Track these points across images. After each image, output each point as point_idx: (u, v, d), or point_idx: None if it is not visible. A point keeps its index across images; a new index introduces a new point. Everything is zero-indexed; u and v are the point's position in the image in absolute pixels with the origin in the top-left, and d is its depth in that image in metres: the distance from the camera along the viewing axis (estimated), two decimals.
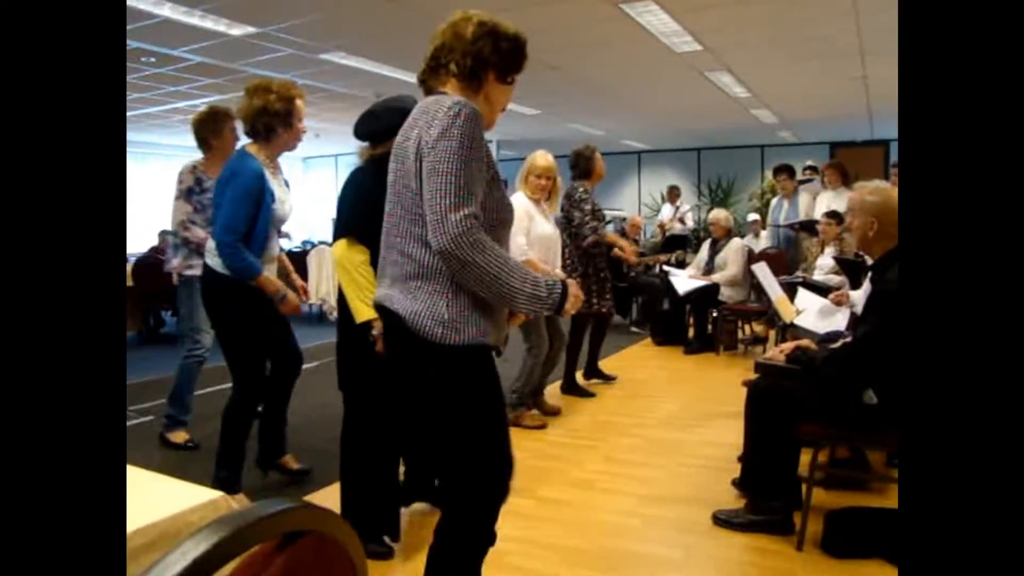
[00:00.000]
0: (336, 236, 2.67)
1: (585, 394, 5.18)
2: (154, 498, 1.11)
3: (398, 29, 5.99)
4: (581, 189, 4.99)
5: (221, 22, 5.87)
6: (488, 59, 1.78)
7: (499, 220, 1.76)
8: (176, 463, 3.75)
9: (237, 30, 6.06)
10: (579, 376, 5.32)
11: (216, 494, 1.15)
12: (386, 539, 2.72)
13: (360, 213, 2.60)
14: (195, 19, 5.76)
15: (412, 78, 7.59)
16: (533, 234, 4.26)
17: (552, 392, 4.94)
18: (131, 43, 6.43)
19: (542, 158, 4.37)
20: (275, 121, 2.99)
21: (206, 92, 8.64)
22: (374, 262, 2.29)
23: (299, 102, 3.05)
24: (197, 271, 3.61)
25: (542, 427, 4.38)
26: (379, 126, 2.66)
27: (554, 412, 4.64)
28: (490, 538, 1.82)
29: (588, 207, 4.93)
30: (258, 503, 0.73)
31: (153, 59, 7.08)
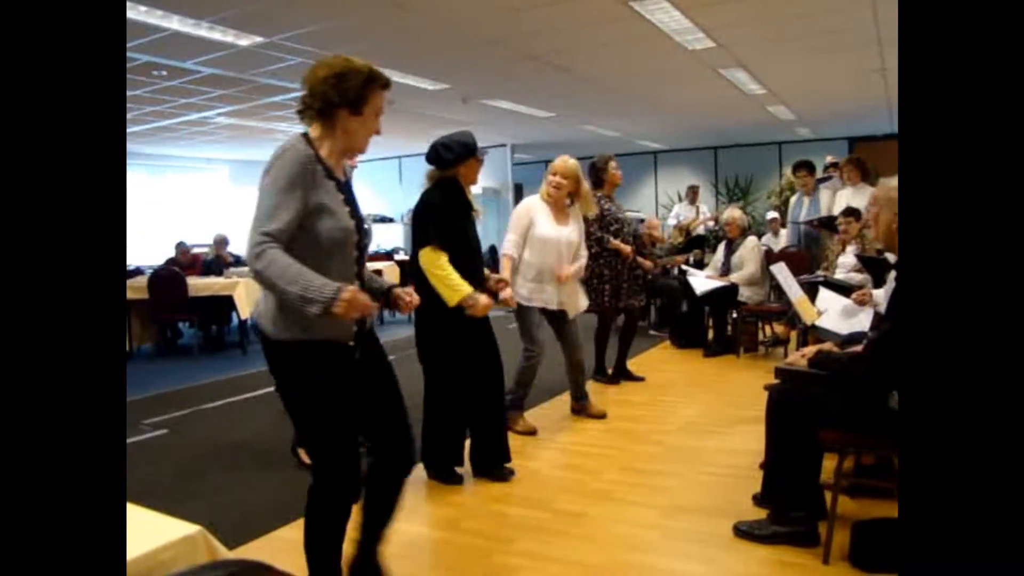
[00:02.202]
0: (419, 246, 3.38)
1: (634, 378, 5.62)
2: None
3: (406, 35, 5.95)
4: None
5: (229, 33, 5.86)
6: (333, 100, 2.06)
7: (328, 241, 2.04)
8: (188, 475, 3.71)
9: (245, 40, 6.04)
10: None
11: (193, 529, 1.08)
12: (456, 469, 3.56)
13: (444, 225, 3.34)
14: (203, 31, 5.75)
15: (422, 83, 7.59)
16: (532, 236, 4.25)
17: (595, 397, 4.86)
18: (141, 57, 6.43)
19: (559, 159, 4.38)
20: None
21: (218, 103, 8.66)
22: (452, 260, 3.28)
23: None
24: None
25: (532, 433, 4.28)
26: (450, 155, 3.38)
27: (600, 415, 4.62)
28: (339, 505, 2.16)
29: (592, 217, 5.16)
30: (211, 561, 0.66)
31: (164, 72, 7.09)
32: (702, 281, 6.67)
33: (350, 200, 2.13)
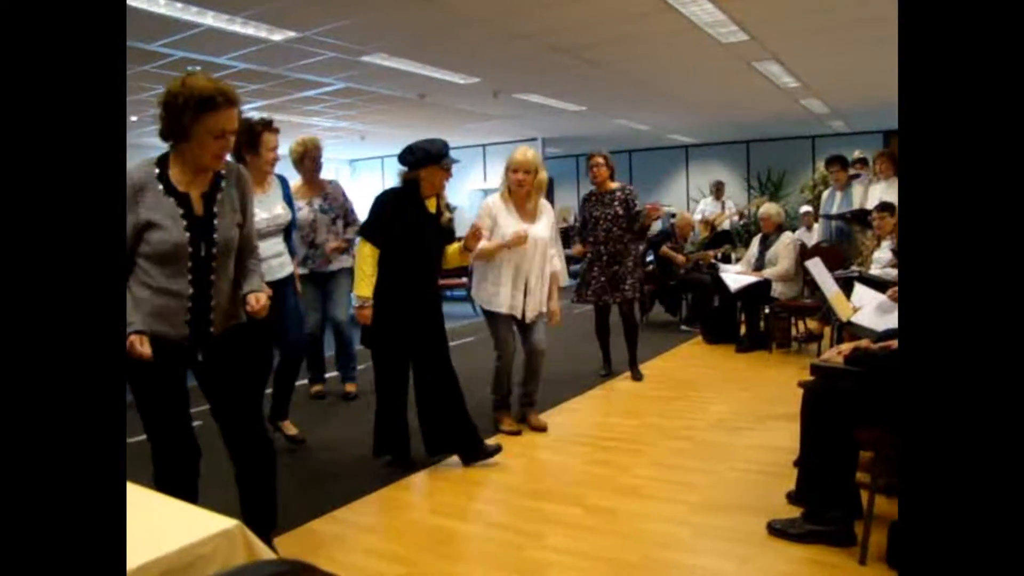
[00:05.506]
0: (358, 234, 3.75)
1: (636, 376, 5.47)
2: (164, 527, 1.05)
3: (439, 29, 5.95)
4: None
5: (263, 28, 5.90)
6: (166, 127, 2.23)
7: (156, 253, 2.23)
8: (221, 467, 3.74)
9: (278, 35, 6.09)
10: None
11: (231, 523, 1.09)
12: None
13: (377, 220, 3.55)
14: (237, 26, 5.80)
15: (454, 78, 7.59)
16: (496, 236, 4.01)
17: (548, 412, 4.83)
18: (176, 53, 6.51)
19: (517, 152, 4.11)
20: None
21: (252, 98, 8.72)
22: (381, 258, 3.50)
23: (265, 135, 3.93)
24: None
25: (517, 433, 4.16)
26: (410, 158, 3.53)
27: (539, 428, 4.26)
28: (169, 472, 2.47)
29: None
30: (254, 562, 0.66)
31: (198, 68, 7.17)
32: (735, 278, 6.60)
33: (190, 215, 2.25)
